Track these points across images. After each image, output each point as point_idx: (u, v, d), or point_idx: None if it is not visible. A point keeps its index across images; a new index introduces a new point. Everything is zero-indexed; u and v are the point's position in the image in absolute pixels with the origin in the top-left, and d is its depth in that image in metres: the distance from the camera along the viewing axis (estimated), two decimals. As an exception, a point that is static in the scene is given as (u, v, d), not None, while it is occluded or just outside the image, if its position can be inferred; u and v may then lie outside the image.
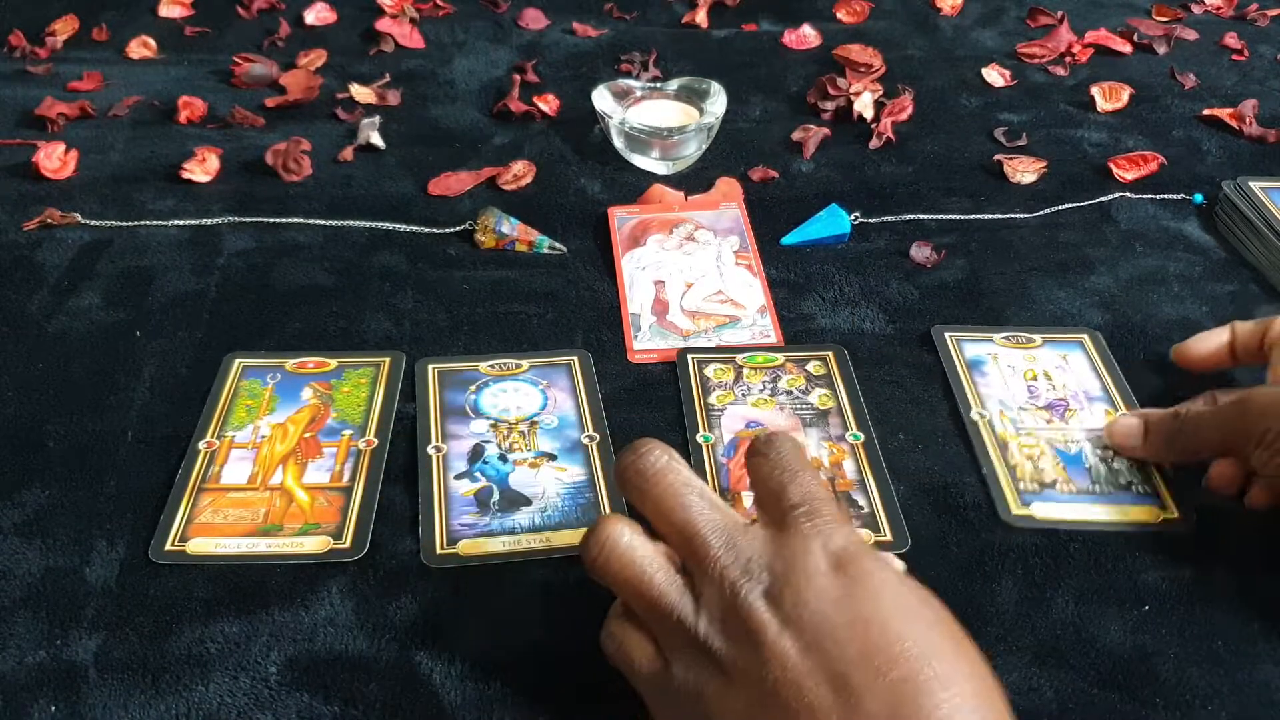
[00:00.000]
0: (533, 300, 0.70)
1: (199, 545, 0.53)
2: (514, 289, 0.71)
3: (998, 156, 0.85)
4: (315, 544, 0.53)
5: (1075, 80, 0.98)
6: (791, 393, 0.63)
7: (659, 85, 0.88)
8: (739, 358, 0.65)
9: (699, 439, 0.60)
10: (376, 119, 0.87)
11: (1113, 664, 0.49)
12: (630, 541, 0.42)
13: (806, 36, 1.05)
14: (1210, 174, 0.84)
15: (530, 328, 0.68)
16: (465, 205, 0.80)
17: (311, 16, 1.07)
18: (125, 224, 0.77)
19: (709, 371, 0.64)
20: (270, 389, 0.62)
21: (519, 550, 0.53)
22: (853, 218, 0.77)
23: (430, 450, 0.58)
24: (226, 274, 0.72)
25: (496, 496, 0.56)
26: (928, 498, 0.56)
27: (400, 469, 0.58)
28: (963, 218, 0.78)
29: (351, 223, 0.77)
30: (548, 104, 0.92)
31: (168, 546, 0.53)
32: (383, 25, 1.04)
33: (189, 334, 0.67)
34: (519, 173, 0.82)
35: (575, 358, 0.65)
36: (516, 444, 0.59)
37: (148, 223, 0.77)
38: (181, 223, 0.77)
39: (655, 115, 0.84)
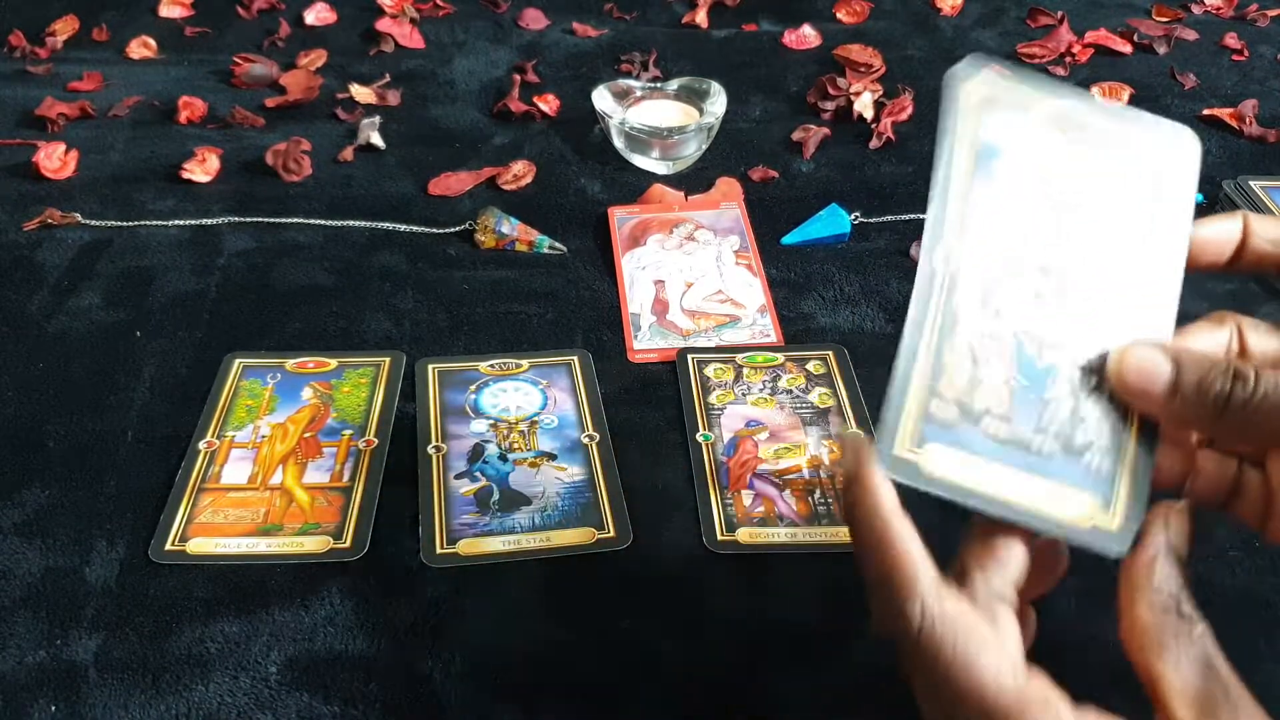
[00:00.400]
0: (533, 300, 0.70)
1: (199, 545, 0.53)
2: (514, 289, 0.71)
3: (998, 156, 0.85)
4: (315, 544, 0.53)
5: (1075, 80, 0.98)
6: (791, 392, 0.63)
7: (659, 85, 0.88)
8: (739, 357, 0.65)
9: (699, 438, 0.60)
10: (376, 119, 0.87)
11: (1113, 664, 0.49)
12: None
13: (806, 36, 1.05)
14: (1210, 174, 0.84)
15: (530, 328, 0.68)
16: (465, 205, 0.80)
17: (311, 16, 1.07)
18: (125, 224, 0.77)
19: (709, 371, 0.64)
20: (270, 389, 0.62)
21: (519, 550, 0.53)
22: (853, 217, 0.77)
23: (430, 450, 0.58)
24: (226, 274, 0.72)
25: (496, 496, 0.56)
26: (928, 495, 0.56)
27: (400, 469, 0.58)
28: (963, 217, 0.78)
29: (351, 223, 0.77)
30: (548, 104, 0.92)
31: (168, 546, 0.53)
32: (383, 25, 1.04)
33: (189, 334, 0.67)
34: (519, 173, 0.82)
35: (575, 357, 0.65)
36: (516, 444, 0.59)
37: (148, 223, 0.77)
38: (181, 223, 0.77)
39: (655, 115, 0.84)
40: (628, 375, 0.65)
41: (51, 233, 0.76)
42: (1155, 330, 0.37)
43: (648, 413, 0.62)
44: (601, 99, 0.85)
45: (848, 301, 0.70)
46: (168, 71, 0.98)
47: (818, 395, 0.63)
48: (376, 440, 0.59)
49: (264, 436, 0.59)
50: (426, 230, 0.76)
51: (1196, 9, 1.13)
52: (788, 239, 0.76)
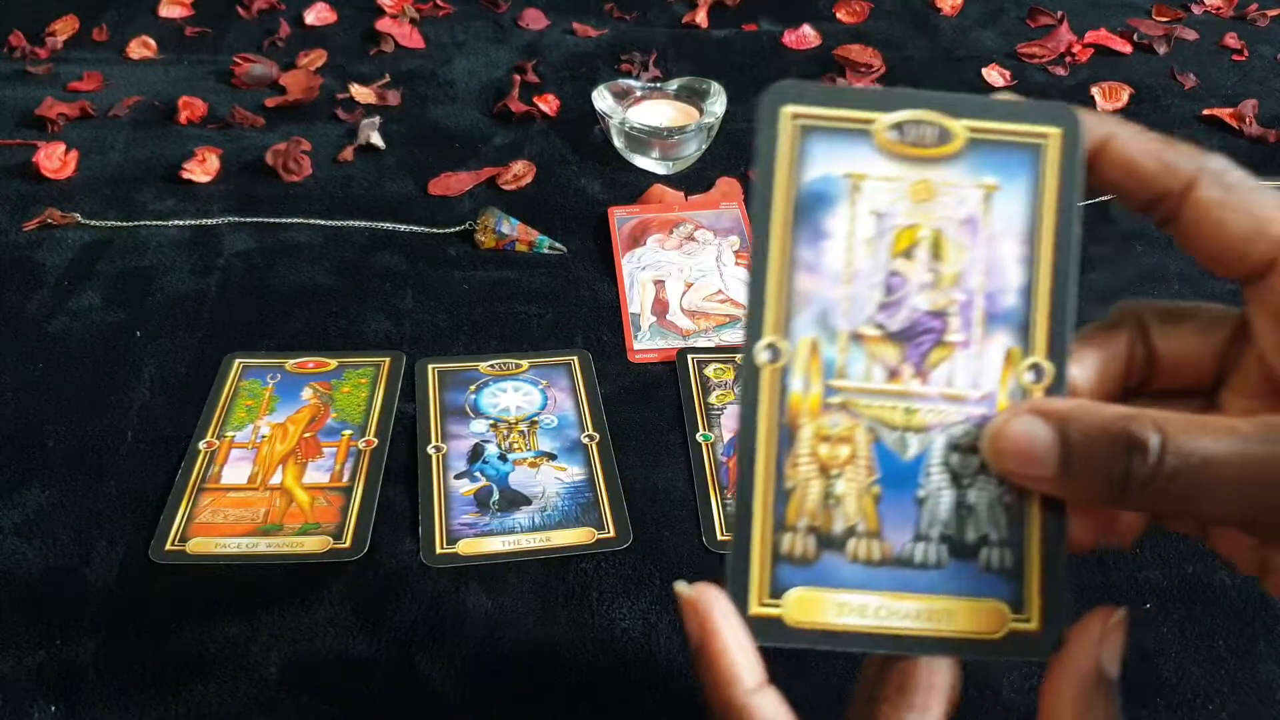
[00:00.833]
0: (533, 300, 0.70)
1: (199, 545, 0.53)
2: (514, 289, 0.71)
3: (998, 156, 0.85)
4: (315, 544, 0.53)
5: (1075, 80, 0.98)
6: (791, 393, 0.63)
7: (659, 85, 0.88)
8: (739, 357, 0.65)
9: (699, 438, 0.60)
10: (376, 119, 0.87)
11: None
12: None
13: (806, 36, 1.05)
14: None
15: (530, 328, 0.68)
16: (465, 205, 0.80)
17: (311, 16, 1.07)
18: (125, 224, 0.76)
19: (709, 371, 0.64)
20: (270, 389, 0.62)
21: (519, 550, 0.53)
22: (853, 218, 0.77)
23: (430, 450, 0.58)
24: (226, 274, 0.72)
25: (496, 496, 0.56)
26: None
27: (400, 469, 0.58)
28: (963, 217, 0.78)
29: (351, 223, 0.77)
30: (548, 104, 0.92)
31: (168, 546, 0.53)
32: (383, 25, 1.04)
33: (189, 334, 0.67)
34: (519, 173, 0.82)
35: (575, 357, 0.65)
36: (516, 444, 0.59)
37: (148, 223, 0.77)
38: (181, 223, 0.77)
39: (655, 115, 0.84)
40: (628, 375, 0.65)
41: (51, 233, 0.76)
42: (1044, 370, 0.29)
43: (648, 413, 0.62)
44: (601, 99, 0.85)
45: (848, 301, 0.70)
46: (168, 71, 0.98)
47: (818, 395, 0.62)
48: (376, 440, 0.59)
49: (264, 436, 0.59)
50: (426, 230, 0.76)
51: (1196, 9, 1.13)
52: (788, 239, 0.76)
